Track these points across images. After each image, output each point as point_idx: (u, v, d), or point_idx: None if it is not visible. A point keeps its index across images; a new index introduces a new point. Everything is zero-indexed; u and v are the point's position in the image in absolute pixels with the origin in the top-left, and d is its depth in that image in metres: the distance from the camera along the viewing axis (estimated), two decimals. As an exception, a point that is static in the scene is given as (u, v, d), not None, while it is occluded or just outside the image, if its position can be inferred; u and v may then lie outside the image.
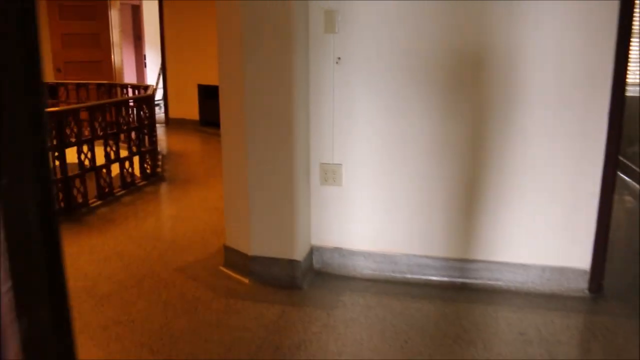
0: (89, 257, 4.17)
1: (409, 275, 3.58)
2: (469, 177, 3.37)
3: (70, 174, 5.11)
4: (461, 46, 3.22)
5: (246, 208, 3.55)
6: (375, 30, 3.28)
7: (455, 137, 3.34)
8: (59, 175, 5.07)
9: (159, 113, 11.20)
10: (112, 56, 10.55)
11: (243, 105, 3.39)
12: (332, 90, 3.43)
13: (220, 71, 3.69)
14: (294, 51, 3.21)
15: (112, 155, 5.68)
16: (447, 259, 3.52)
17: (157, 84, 12.15)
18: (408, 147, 3.41)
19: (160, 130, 9.72)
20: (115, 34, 10.59)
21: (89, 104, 5.63)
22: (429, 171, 3.42)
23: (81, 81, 8.88)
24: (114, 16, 10.52)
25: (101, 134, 5.51)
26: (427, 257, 3.54)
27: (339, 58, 3.38)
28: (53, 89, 9.11)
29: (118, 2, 10.70)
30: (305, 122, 3.47)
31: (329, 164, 3.55)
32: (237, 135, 3.51)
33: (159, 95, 11.71)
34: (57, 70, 10.32)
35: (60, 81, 9.26)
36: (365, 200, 3.56)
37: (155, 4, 10.49)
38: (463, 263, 3.50)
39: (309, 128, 3.53)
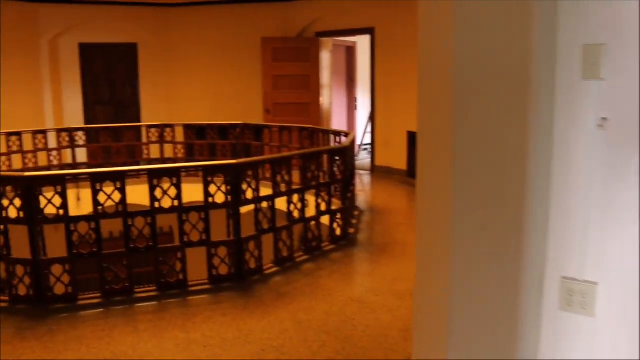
0: (243, 348, 3.31)
1: None
2: None
3: (244, 235, 4.38)
4: None
5: (443, 318, 2.35)
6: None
7: None
8: (231, 237, 4.37)
9: (366, 158, 10.45)
10: (321, 98, 10.08)
11: (450, 179, 2.21)
12: (590, 168, 2.09)
13: (420, 122, 2.56)
14: (532, 106, 1.97)
15: (296, 214, 4.88)
16: None
17: (366, 127, 11.51)
18: None
19: (363, 178, 8.91)
20: (325, 76, 10.13)
21: (270, 156, 4.91)
22: None
23: (284, 124, 8.45)
24: (325, 58, 10.07)
25: (284, 189, 4.74)
26: None
27: (604, 119, 2.03)
28: (258, 131, 8.83)
29: (331, 44, 10.27)
30: (542, 212, 2.18)
31: (576, 280, 2.19)
32: (437, 210, 2.34)
33: (367, 139, 11.03)
34: (266, 111, 10.14)
35: (264, 123, 8.96)
36: (633, 344, 2.13)
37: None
38: None
39: (548, 222, 2.22)
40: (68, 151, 8.73)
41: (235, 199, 4.27)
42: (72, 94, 10.46)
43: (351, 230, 5.69)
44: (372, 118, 9.77)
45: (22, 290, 3.98)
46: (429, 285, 2.54)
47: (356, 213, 6.41)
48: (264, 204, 4.54)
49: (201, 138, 9.04)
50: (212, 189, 4.23)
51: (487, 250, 2.18)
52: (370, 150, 10.29)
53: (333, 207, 5.31)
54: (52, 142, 8.72)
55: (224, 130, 8.98)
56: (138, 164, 9.18)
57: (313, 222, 5.04)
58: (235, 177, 4.25)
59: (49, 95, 10.27)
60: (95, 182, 3.92)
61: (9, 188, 3.93)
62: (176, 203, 4.11)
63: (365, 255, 5.15)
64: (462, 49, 2.11)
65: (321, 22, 9.91)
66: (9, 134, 7.98)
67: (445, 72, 2.17)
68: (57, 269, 3.98)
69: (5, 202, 3.90)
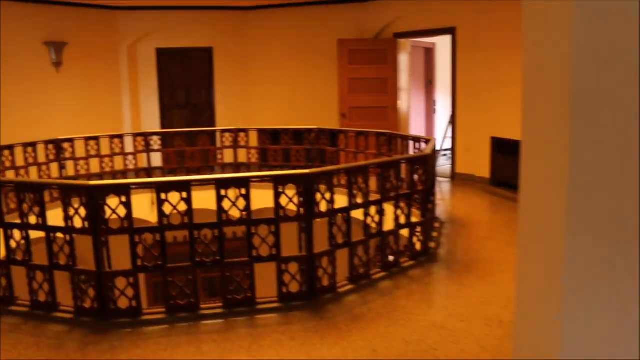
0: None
1: None
2: None
3: (316, 250, 4.07)
4: None
5: (553, 351, 1.92)
6: None
7: None
8: (303, 252, 4.06)
9: (445, 165, 9.94)
10: (398, 102, 9.66)
11: (565, 193, 1.79)
12: None
13: (526, 127, 2.13)
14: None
15: (373, 227, 4.52)
16: None
17: (445, 132, 10.98)
18: None
19: (443, 186, 8.42)
20: (403, 78, 9.71)
21: (346, 165, 4.55)
22: None
23: (361, 129, 8.10)
24: (403, 59, 9.65)
25: (361, 201, 4.39)
26: None
27: None
28: (334, 136, 8.53)
29: (409, 45, 9.83)
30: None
31: None
32: (547, 227, 1.91)
33: (447, 144, 10.51)
34: (342, 115, 9.82)
35: (340, 128, 8.64)
36: None
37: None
38: None
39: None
40: (144, 155, 8.73)
41: (308, 211, 3.96)
42: (149, 98, 10.55)
43: (432, 245, 5.26)
44: (452, 122, 9.26)
45: (86, 302, 3.83)
46: (534, 312, 2.11)
47: (437, 225, 5.97)
48: (338, 218, 4.20)
49: (275, 143, 8.83)
50: (283, 200, 3.93)
51: (607, 273, 1.75)
52: (450, 156, 9.77)
53: (413, 220, 4.91)
54: (129, 146, 8.75)
55: (298, 135, 8.73)
56: (212, 169, 9.09)
57: (391, 236, 4.67)
58: (307, 187, 3.94)
59: (127, 100, 10.39)
60: (161, 191, 3.70)
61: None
62: (245, 215, 3.84)
63: (448, 274, 4.71)
64: (581, 49, 1.69)
65: (399, 22, 9.50)
66: (87, 139, 8.04)
67: (561, 75, 1.75)
68: (121, 282, 3.80)
69: (71, 211, 3.75)
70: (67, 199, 3.72)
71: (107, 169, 8.19)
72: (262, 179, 3.98)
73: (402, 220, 4.79)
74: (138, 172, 8.61)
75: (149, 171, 8.68)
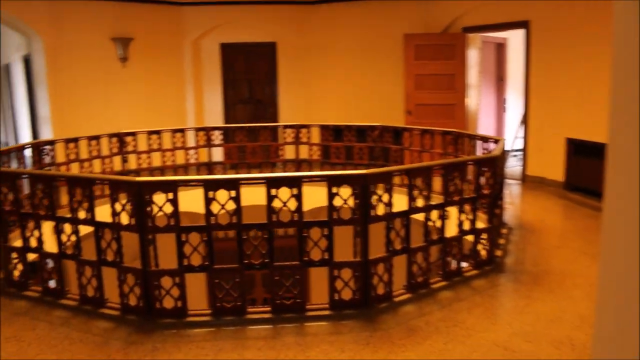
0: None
1: None
2: None
3: (372, 256, 3.81)
4: None
5: None
6: None
7: None
8: (357, 258, 3.82)
9: (515, 166, 9.44)
10: (466, 99, 9.24)
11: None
12: None
13: (615, 132, 1.81)
14: None
15: (434, 234, 4.22)
16: None
17: (517, 132, 10.45)
18: None
19: (512, 189, 7.97)
20: (472, 75, 9.27)
21: (406, 166, 4.23)
22: None
23: (426, 127, 7.76)
24: (472, 55, 9.22)
25: (422, 204, 4.10)
26: None
27: None
28: (398, 133, 8.22)
29: (479, 40, 9.38)
30: None
31: None
32: (636, 240, 1.60)
33: (518, 144, 9.99)
34: (408, 112, 9.50)
35: (404, 126, 8.31)
36: None
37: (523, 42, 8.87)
38: None
39: None
40: (205, 150, 8.71)
41: (364, 214, 3.71)
42: (213, 93, 10.55)
43: (498, 253, 4.90)
44: (524, 122, 8.75)
45: (132, 300, 3.72)
46: (616, 337, 1.79)
47: (504, 231, 5.59)
48: (397, 223, 3.93)
49: (338, 140, 8.60)
50: (337, 201, 3.70)
51: None
52: (520, 157, 9.27)
53: (478, 225, 4.57)
54: (191, 141, 8.75)
55: (361, 132, 8.47)
56: (273, 165, 8.97)
57: (454, 243, 4.35)
58: (364, 189, 3.69)
59: (191, 95, 10.42)
60: (209, 190, 3.55)
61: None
62: (296, 217, 3.63)
63: (515, 286, 4.34)
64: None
65: (469, 16, 9.06)
66: (150, 133, 8.07)
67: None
68: (167, 281, 3.68)
69: (118, 207, 3.66)
70: (115, 194, 3.62)
71: (169, 163, 8.19)
72: (316, 179, 3.76)
73: (467, 225, 4.46)
74: (199, 166, 8.59)
75: (209, 166, 8.64)
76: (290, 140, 8.73)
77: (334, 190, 3.66)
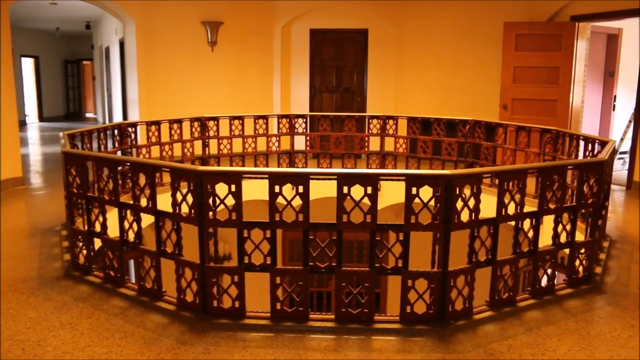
0: None
1: None
2: None
3: (451, 267, 3.39)
4: None
5: None
6: None
7: None
8: (436, 268, 3.41)
9: (620, 170, 8.59)
10: (571, 95, 8.47)
11: None
12: None
13: None
14: None
15: (524, 244, 3.73)
16: None
17: (625, 132, 9.54)
18: None
19: (615, 196, 7.21)
20: (578, 69, 8.48)
21: (493, 168, 3.71)
22: None
23: (523, 124, 7.15)
24: (580, 47, 8.42)
25: (513, 212, 3.61)
26: None
27: None
28: (491, 129, 7.63)
29: (588, 30, 8.56)
30: None
31: None
32: None
33: (625, 146, 9.12)
34: (503, 107, 8.86)
35: (498, 121, 7.71)
36: None
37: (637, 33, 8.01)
38: None
39: None
40: (287, 138, 8.49)
41: (446, 219, 3.29)
42: (300, 79, 10.32)
43: (597, 270, 4.32)
44: (635, 122, 7.90)
45: (189, 296, 3.51)
46: None
47: (605, 244, 4.97)
48: (482, 230, 3.48)
49: (426, 133, 8.12)
50: (417, 204, 3.30)
51: None
52: (627, 160, 8.41)
53: (577, 239, 4.02)
54: (273, 128, 8.57)
55: (452, 126, 7.94)
56: (357, 157, 8.62)
57: (547, 256, 3.84)
58: (448, 191, 3.27)
59: (278, 81, 10.25)
60: (274, 184, 3.25)
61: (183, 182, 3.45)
62: (369, 218, 3.27)
63: (615, 311, 3.76)
64: None
65: (578, 3, 8.27)
66: (232, 118, 7.93)
67: None
68: (227, 279, 3.44)
69: (179, 197, 3.44)
70: (176, 182, 3.41)
71: (250, 150, 8.03)
72: (394, 177, 3.37)
73: (563, 238, 3.93)
74: (280, 155, 8.39)
75: (291, 154, 8.43)
76: (376, 132, 8.34)
77: (414, 191, 3.26)
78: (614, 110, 10.36)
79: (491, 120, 7.82)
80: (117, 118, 13.13)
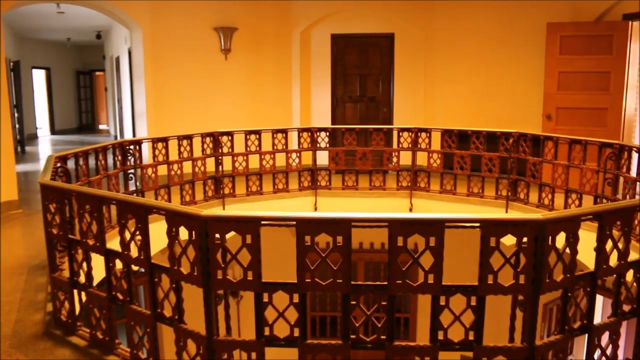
0: None
1: None
2: None
3: (539, 340, 2.53)
4: None
5: None
6: None
7: None
8: (519, 342, 2.55)
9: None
10: (624, 103, 7.58)
11: None
12: None
13: None
14: None
15: (627, 303, 2.86)
16: None
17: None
18: None
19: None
20: (632, 73, 7.58)
21: (594, 208, 2.78)
22: None
23: (578, 137, 6.25)
24: (635, 49, 7.53)
25: (615, 263, 2.75)
26: None
27: None
28: (537, 142, 6.73)
29: (644, 30, 7.66)
30: None
31: None
32: None
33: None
34: (547, 117, 7.98)
35: (548, 134, 6.81)
36: None
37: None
38: None
39: None
40: (309, 153, 7.66)
41: (535, 279, 2.43)
42: (321, 89, 9.50)
43: None
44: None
45: (196, 377, 2.69)
46: None
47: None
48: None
49: (462, 147, 7.24)
50: (496, 259, 2.45)
51: None
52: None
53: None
54: (293, 143, 7.78)
55: (492, 139, 7.07)
56: (385, 173, 7.77)
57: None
58: (538, 240, 2.41)
59: (297, 91, 9.44)
60: (304, 233, 2.42)
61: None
62: (431, 279, 2.43)
63: None
64: None
65: (631, 1, 7.38)
66: (248, 132, 7.14)
67: None
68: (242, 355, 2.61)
69: (177, 249, 2.62)
70: (174, 228, 2.59)
71: (267, 167, 7.23)
72: (465, 224, 2.51)
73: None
74: (301, 172, 7.58)
75: (313, 172, 7.61)
76: (407, 146, 7.49)
77: (492, 242, 2.41)
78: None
79: (537, 133, 6.94)
80: (128, 131, 12.43)
